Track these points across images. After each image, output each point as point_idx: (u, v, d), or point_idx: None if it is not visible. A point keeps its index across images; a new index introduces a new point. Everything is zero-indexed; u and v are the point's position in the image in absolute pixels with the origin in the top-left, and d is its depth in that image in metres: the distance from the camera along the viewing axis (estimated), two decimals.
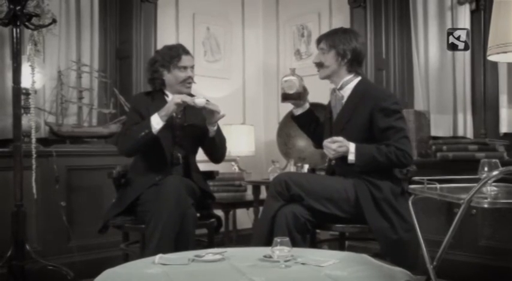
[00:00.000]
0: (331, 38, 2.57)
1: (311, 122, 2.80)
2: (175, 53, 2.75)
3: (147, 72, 2.91)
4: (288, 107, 3.21)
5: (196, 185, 2.73)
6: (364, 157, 2.41)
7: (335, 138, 2.43)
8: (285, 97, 2.68)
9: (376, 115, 2.45)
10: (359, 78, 2.61)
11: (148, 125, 2.60)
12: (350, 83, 2.59)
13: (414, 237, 2.07)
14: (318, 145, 2.80)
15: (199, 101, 2.64)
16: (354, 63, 2.57)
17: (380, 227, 2.38)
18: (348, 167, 2.45)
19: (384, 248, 2.40)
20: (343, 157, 2.44)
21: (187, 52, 2.79)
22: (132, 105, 2.88)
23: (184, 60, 2.75)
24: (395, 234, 2.37)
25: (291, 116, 2.86)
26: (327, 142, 2.45)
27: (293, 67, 2.81)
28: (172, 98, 2.66)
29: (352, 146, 2.41)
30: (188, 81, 2.78)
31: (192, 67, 2.80)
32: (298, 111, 2.77)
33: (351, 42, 2.55)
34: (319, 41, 2.64)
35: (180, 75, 2.75)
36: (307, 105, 2.77)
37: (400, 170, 2.55)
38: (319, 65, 2.61)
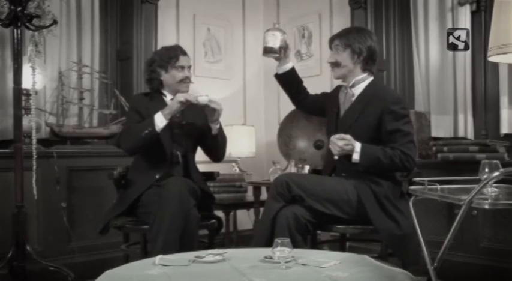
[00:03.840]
0: (346, 37, 2.58)
1: (293, 82, 2.80)
2: (173, 54, 2.81)
3: (144, 73, 2.98)
4: (289, 108, 3.21)
5: (196, 185, 2.73)
6: (369, 157, 2.41)
7: (343, 135, 2.43)
8: (267, 50, 2.68)
9: (385, 117, 2.45)
10: (371, 78, 2.62)
11: (152, 123, 2.64)
12: (362, 82, 2.60)
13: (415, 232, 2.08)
14: (297, 105, 2.89)
15: (202, 99, 2.67)
16: (369, 61, 2.58)
17: (386, 227, 2.38)
18: (351, 166, 2.45)
19: (392, 246, 2.42)
20: (347, 155, 2.44)
21: (184, 53, 2.86)
22: (132, 105, 2.92)
23: (182, 61, 2.81)
24: (400, 230, 2.38)
25: (274, 75, 2.85)
26: (334, 138, 2.44)
27: (276, 22, 2.85)
28: (176, 97, 2.70)
29: (357, 146, 2.41)
30: (186, 81, 2.82)
31: (189, 67, 2.86)
32: (281, 70, 2.77)
33: (366, 41, 2.56)
34: (332, 40, 2.65)
35: (178, 75, 2.80)
36: (290, 65, 2.77)
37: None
38: (335, 65, 2.62)
